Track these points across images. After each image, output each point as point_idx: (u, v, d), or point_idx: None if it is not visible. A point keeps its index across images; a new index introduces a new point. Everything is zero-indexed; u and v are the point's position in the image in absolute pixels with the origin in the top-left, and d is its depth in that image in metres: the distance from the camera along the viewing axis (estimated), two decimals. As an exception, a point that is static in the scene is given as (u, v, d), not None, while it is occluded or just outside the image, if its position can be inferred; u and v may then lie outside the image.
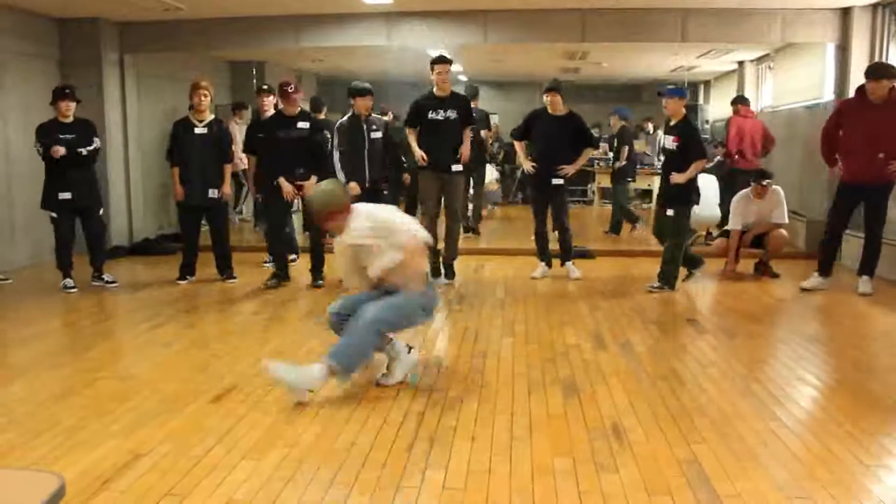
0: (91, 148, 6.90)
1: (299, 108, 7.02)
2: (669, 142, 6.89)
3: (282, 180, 6.83)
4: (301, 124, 6.93)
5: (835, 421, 3.75)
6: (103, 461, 3.25)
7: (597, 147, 7.53)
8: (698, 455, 3.31)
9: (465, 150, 7.05)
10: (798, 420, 3.79)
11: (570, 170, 7.31)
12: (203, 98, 7.08)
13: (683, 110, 6.87)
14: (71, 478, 3.05)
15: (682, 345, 5.22)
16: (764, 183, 7.52)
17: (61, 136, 6.74)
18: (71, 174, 6.79)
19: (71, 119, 6.86)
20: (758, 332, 5.70)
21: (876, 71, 6.50)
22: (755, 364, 4.81)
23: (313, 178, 6.81)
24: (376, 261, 4.20)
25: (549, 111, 7.31)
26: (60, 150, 6.65)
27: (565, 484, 3.06)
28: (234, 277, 7.36)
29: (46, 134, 6.74)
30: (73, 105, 6.86)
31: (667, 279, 6.93)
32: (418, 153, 6.96)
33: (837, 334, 5.75)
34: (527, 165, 7.51)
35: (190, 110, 7.20)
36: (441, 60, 6.90)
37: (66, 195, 6.80)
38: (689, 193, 6.84)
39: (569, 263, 7.58)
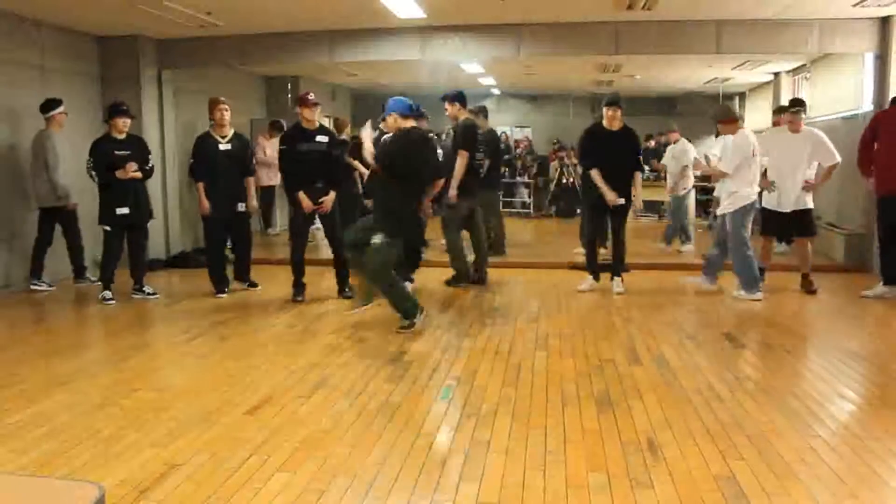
0: (149, 166, 7.19)
1: (318, 123, 7.02)
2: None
3: (301, 195, 6.87)
4: (320, 138, 6.96)
5: (876, 438, 3.67)
6: (140, 471, 3.30)
7: (643, 171, 7.55)
8: (735, 472, 3.26)
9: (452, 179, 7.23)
10: (838, 437, 3.72)
11: (637, 203, 7.33)
12: (224, 113, 7.21)
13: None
14: (109, 487, 3.09)
15: (718, 359, 5.15)
16: (793, 110, 7.14)
17: (117, 153, 6.92)
18: (129, 190, 6.98)
19: (124, 135, 7.04)
20: (795, 346, 5.61)
21: None
22: (793, 378, 4.74)
23: (332, 193, 6.94)
24: None
25: (606, 126, 7.19)
26: (133, 172, 6.89)
27: (599, 499, 3.03)
28: (256, 285, 7.59)
29: (103, 150, 6.92)
30: (129, 121, 7.08)
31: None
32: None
33: (879, 349, 5.62)
34: (611, 196, 7.04)
35: (211, 126, 7.29)
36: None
37: (125, 210, 6.97)
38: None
39: (616, 278, 7.46)
